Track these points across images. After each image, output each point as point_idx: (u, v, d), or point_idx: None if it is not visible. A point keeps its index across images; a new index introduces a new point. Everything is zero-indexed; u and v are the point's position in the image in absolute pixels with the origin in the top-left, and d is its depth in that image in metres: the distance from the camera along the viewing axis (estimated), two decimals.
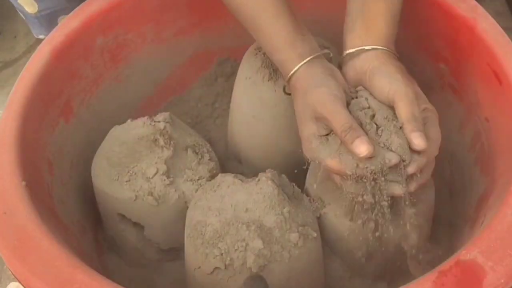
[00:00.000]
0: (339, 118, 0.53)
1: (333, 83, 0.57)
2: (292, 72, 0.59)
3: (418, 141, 0.52)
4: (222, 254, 0.56)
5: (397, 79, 0.55)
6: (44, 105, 0.66)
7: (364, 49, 0.59)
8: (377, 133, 0.54)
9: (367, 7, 0.61)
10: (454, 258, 0.48)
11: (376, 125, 0.54)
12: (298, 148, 0.59)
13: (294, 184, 0.64)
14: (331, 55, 0.63)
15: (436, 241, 0.73)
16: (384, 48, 0.59)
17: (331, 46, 0.68)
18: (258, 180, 0.61)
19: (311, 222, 0.62)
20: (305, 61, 0.59)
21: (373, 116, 0.55)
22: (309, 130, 0.57)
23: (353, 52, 0.60)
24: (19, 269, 0.50)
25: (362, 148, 0.51)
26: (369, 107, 0.56)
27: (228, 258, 0.56)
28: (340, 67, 0.62)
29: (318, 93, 0.56)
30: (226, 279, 0.56)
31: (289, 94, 0.63)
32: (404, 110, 0.53)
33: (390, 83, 0.55)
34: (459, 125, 0.73)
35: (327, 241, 0.65)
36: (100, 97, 0.76)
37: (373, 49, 0.59)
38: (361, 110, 0.56)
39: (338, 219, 0.62)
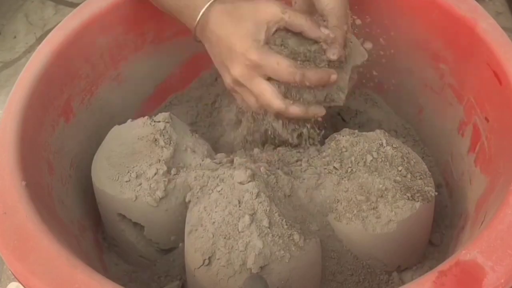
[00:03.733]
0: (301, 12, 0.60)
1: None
2: (201, 13, 0.60)
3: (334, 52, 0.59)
4: (222, 254, 0.56)
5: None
6: (44, 105, 0.66)
7: None
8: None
9: None
10: (454, 258, 0.48)
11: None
12: None
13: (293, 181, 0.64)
14: None
15: (436, 241, 0.73)
16: None
17: None
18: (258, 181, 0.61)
19: (311, 222, 0.62)
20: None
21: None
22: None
23: None
24: (19, 269, 0.50)
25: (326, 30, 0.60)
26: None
27: (228, 258, 0.56)
28: None
29: (259, 8, 0.59)
30: (226, 279, 0.56)
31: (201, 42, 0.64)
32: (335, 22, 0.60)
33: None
34: (459, 125, 0.73)
35: None
36: (100, 97, 0.76)
37: None
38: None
39: None
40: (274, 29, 0.59)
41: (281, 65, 0.57)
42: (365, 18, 0.76)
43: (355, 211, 0.61)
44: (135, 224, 0.67)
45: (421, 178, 0.64)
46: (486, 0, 1.28)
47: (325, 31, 0.59)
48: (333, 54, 0.59)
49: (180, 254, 0.67)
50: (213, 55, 0.63)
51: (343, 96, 0.63)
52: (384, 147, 0.65)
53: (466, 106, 0.71)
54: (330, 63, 0.60)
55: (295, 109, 0.60)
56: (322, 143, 0.70)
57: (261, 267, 0.55)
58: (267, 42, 0.59)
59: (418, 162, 0.66)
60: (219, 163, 0.67)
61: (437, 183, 0.77)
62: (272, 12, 0.58)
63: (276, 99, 0.59)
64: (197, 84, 0.88)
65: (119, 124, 0.70)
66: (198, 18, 0.61)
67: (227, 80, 0.63)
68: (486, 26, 0.66)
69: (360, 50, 0.65)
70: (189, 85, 0.88)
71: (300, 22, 0.59)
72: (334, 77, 0.59)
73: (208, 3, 0.60)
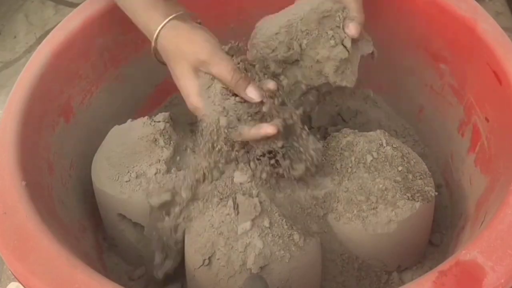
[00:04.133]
0: (225, 64, 0.56)
1: (205, 32, 0.59)
2: (158, 30, 0.59)
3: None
4: (222, 254, 0.56)
5: None
6: (44, 105, 0.66)
7: None
8: None
9: None
10: (454, 258, 0.48)
11: None
12: None
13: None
14: (199, 20, 0.64)
15: (436, 241, 0.73)
16: None
17: None
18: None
19: (311, 223, 0.62)
20: (170, 17, 0.60)
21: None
22: (192, 87, 0.58)
23: None
24: (19, 269, 0.50)
25: (254, 94, 0.56)
26: None
27: (228, 258, 0.56)
28: None
29: (195, 41, 0.58)
30: (226, 279, 0.56)
31: (163, 63, 0.63)
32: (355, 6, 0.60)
33: None
34: (459, 125, 0.73)
35: None
36: (100, 97, 0.76)
37: None
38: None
39: None
40: (202, 79, 0.58)
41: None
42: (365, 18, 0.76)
43: (355, 211, 0.61)
44: (135, 224, 0.66)
45: (421, 178, 0.64)
46: (486, 0, 1.28)
47: (250, 93, 0.56)
48: (352, 29, 0.59)
49: (180, 254, 0.67)
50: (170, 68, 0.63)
51: (354, 79, 0.63)
52: (384, 147, 0.65)
53: (466, 106, 0.71)
54: (256, 115, 0.58)
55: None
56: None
57: (261, 267, 0.55)
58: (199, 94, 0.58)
59: (418, 162, 0.66)
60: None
61: (437, 183, 0.77)
62: (194, 59, 0.58)
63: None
64: None
65: (119, 124, 0.70)
66: (152, 46, 0.62)
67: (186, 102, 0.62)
68: (486, 26, 0.66)
69: (368, 41, 0.65)
70: None
71: (224, 74, 0.57)
72: (269, 130, 0.56)
73: (157, 31, 0.60)
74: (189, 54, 0.58)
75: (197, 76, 0.59)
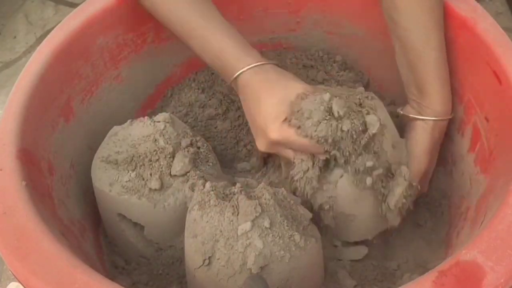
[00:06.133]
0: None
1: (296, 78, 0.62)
2: (243, 69, 0.61)
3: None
4: (222, 254, 0.56)
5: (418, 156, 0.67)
6: (44, 105, 0.66)
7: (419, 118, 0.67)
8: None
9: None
10: (454, 258, 0.48)
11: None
12: None
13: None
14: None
15: (437, 241, 0.73)
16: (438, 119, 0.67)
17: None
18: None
19: (311, 223, 0.62)
20: (259, 63, 0.61)
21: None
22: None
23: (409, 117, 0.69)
24: (19, 269, 0.50)
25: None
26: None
27: (228, 258, 0.56)
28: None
29: (299, 82, 0.60)
30: (226, 279, 0.56)
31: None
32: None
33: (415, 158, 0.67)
34: (459, 125, 0.73)
35: None
36: (100, 97, 0.76)
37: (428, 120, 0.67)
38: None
39: None
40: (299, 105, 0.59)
41: (302, 144, 0.59)
42: (365, 18, 0.76)
43: None
44: (135, 224, 0.67)
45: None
46: (486, 0, 1.28)
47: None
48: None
49: (179, 253, 0.67)
50: (246, 114, 0.65)
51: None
52: None
53: (466, 106, 0.71)
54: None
55: None
56: None
57: (261, 267, 0.55)
58: (289, 118, 0.59)
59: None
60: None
61: (437, 183, 0.77)
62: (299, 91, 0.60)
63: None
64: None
65: (119, 124, 0.70)
66: (231, 79, 0.63)
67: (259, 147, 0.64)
68: (486, 26, 0.66)
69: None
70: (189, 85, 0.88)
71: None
72: None
73: (242, 70, 0.61)
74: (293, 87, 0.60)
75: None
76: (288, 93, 0.59)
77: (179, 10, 0.65)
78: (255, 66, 0.61)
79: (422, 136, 0.67)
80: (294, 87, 0.60)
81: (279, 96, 0.59)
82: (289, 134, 0.58)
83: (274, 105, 0.59)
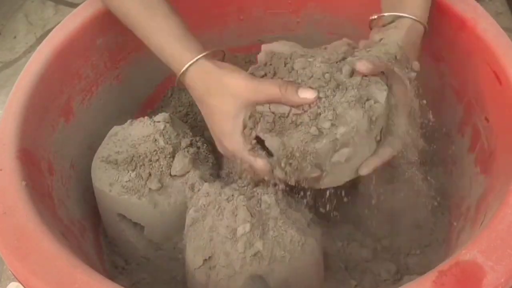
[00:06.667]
0: (271, 84, 0.55)
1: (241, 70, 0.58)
2: (190, 62, 0.58)
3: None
4: (222, 254, 0.56)
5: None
6: (44, 105, 0.66)
7: (398, 15, 0.62)
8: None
9: None
10: (454, 258, 0.48)
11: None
12: None
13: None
14: (225, 54, 0.64)
15: (437, 242, 0.73)
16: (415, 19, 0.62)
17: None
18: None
19: (311, 223, 0.62)
20: (207, 52, 0.59)
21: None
22: (238, 125, 0.57)
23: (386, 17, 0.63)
24: (19, 269, 0.50)
25: (308, 93, 0.54)
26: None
27: (228, 259, 0.56)
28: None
29: (237, 78, 0.57)
30: (226, 279, 0.56)
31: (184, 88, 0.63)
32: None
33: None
34: (459, 125, 0.73)
35: None
36: (100, 97, 0.76)
37: (406, 18, 0.62)
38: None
39: None
40: (248, 114, 0.57)
41: (257, 165, 0.57)
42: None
43: None
44: (135, 224, 0.67)
45: None
46: (486, 0, 1.28)
47: (303, 94, 0.54)
48: (363, 65, 0.56)
49: (180, 253, 0.67)
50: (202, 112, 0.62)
51: None
52: None
53: (466, 106, 0.71)
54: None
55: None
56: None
57: (261, 267, 0.55)
58: (244, 127, 0.57)
59: None
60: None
61: (437, 183, 0.77)
62: (242, 99, 0.57)
63: (266, 173, 0.58)
64: None
65: (119, 124, 0.70)
66: (179, 74, 0.60)
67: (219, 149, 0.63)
68: (486, 26, 0.66)
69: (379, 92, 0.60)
70: None
71: (272, 92, 0.55)
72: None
73: (188, 64, 0.59)
74: (235, 89, 0.57)
75: (242, 115, 0.57)
76: (234, 100, 0.57)
77: (127, 2, 0.64)
78: (194, 62, 0.59)
79: (402, 33, 0.61)
80: (238, 86, 0.57)
81: (228, 107, 0.57)
82: (240, 148, 0.57)
83: (227, 119, 0.57)
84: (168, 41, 0.61)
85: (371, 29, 0.67)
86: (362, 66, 0.56)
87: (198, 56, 0.59)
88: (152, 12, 0.62)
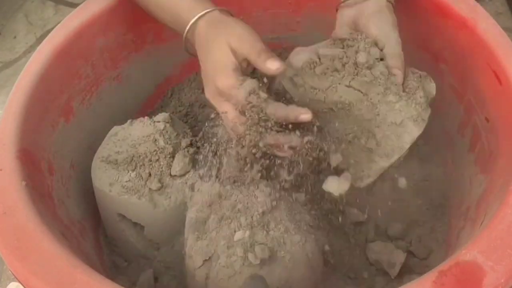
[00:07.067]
0: (257, 45, 0.57)
1: (244, 24, 0.60)
2: (197, 17, 0.61)
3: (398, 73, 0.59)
4: (222, 254, 0.56)
5: (390, 30, 0.61)
6: (44, 105, 0.66)
7: None
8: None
9: None
10: (454, 258, 0.48)
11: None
12: None
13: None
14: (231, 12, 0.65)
15: (437, 242, 0.73)
16: None
17: None
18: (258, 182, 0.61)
19: (311, 223, 0.62)
20: (209, 9, 0.61)
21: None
22: (229, 62, 0.58)
23: None
24: (19, 269, 0.50)
25: (276, 64, 0.55)
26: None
27: (228, 259, 0.56)
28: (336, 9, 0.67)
29: (237, 27, 0.59)
30: (226, 279, 0.56)
31: (192, 55, 0.65)
32: (391, 51, 0.60)
33: (380, 29, 0.61)
34: (459, 125, 0.73)
35: None
36: (100, 97, 0.76)
37: None
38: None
39: None
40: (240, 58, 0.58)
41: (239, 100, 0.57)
42: None
43: None
44: (135, 224, 0.67)
45: None
46: (486, 0, 1.28)
47: (269, 64, 0.56)
48: (398, 79, 0.58)
49: (179, 253, 0.67)
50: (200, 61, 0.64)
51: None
52: None
53: (466, 106, 0.71)
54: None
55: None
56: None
57: (262, 267, 0.55)
58: (235, 69, 0.58)
59: None
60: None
61: (437, 183, 0.77)
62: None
63: (233, 126, 0.58)
64: (197, 84, 0.88)
65: (119, 124, 0.70)
66: (185, 33, 0.63)
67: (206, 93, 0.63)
68: (486, 26, 0.66)
69: (429, 84, 0.62)
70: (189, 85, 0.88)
71: (251, 52, 0.58)
72: (304, 117, 0.56)
73: (193, 20, 0.62)
74: (230, 35, 0.59)
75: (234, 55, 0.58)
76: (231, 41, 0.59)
77: None
78: (206, 13, 0.61)
79: (383, 14, 0.63)
80: (235, 33, 0.59)
81: (225, 46, 0.59)
82: (233, 83, 0.58)
83: (223, 54, 0.59)
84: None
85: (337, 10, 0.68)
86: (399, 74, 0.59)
87: (211, 8, 0.62)
88: None
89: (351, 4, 0.65)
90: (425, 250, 0.72)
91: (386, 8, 0.63)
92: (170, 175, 0.65)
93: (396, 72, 0.59)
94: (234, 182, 0.63)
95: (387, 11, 0.63)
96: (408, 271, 0.69)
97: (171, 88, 0.86)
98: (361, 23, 0.63)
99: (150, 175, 0.65)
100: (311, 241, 0.59)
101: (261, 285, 0.51)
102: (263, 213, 0.58)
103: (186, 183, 0.65)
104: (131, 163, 0.65)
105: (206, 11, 0.61)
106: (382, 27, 0.61)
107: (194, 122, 0.82)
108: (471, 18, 0.67)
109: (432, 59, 0.75)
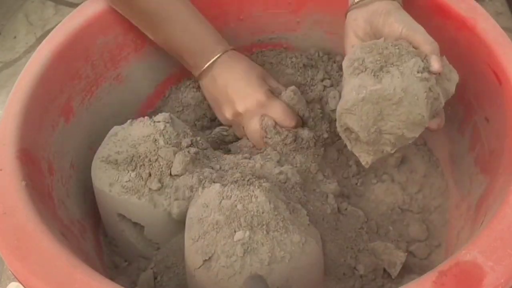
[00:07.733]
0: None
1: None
2: (217, 56, 0.72)
3: (437, 64, 0.58)
4: (222, 254, 0.56)
5: (413, 22, 0.61)
6: (44, 105, 0.66)
7: None
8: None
9: None
10: (454, 258, 0.48)
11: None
12: None
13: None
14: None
15: (437, 242, 0.73)
16: None
17: None
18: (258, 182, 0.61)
19: (311, 223, 0.62)
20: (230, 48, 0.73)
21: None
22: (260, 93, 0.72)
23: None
24: (19, 269, 0.50)
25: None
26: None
27: (228, 259, 0.56)
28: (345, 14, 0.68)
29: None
30: (226, 279, 0.56)
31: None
32: (422, 38, 0.59)
33: (404, 22, 0.61)
34: (459, 125, 0.73)
35: None
36: (100, 97, 0.76)
37: None
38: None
39: None
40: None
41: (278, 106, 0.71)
42: None
43: None
44: (135, 224, 0.67)
45: None
46: (486, 0, 1.28)
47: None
48: (434, 66, 0.58)
49: (179, 253, 0.67)
50: (215, 91, 0.75)
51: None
52: None
53: (466, 106, 0.71)
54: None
55: None
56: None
57: (261, 268, 0.55)
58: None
59: None
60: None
61: (437, 183, 0.77)
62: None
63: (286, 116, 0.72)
64: (197, 84, 0.88)
65: (119, 124, 0.70)
66: (206, 65, 0.73)
67: (227, 114, 0.75)
68: (486, 26, 0.66)
69: (452, 69, 0.62)
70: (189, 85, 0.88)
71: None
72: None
73: (218, 55, 0.72)
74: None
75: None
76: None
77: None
78: (226, 52, 0.72)
79: (400, 10, 0.63)
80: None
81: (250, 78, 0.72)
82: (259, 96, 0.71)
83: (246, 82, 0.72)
84: (200, 29, 0.73)
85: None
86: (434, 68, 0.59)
87: (230, 48, 0.74)
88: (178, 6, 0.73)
89: (360, 6, 0.64)
90: (425, 250, 0.72)
91: (400, 6, 0.63)
92: (170, 175, 0.65)
93: (434, 58, 0.58)
94: (234, 182, 0.63)
95: (402, 9, 0.63)
96: (408, 271, 0.69)
97: (171, 88, 0.85)
98: (379, 22, 0.62)
99: (150, 175, 0.65)
100: (311, 241, 0.59)
101: (261, 285, 0.51)
102: (263, 213, 0.58)
103: (186, 183, 0.65)
104: (131, 163, 0.65)
105: (228, 49, 0.73)
106: (404, 20, 0.61)
107: (194, 122, 0.82)
108: (471, 18, 0.67)
109: None
